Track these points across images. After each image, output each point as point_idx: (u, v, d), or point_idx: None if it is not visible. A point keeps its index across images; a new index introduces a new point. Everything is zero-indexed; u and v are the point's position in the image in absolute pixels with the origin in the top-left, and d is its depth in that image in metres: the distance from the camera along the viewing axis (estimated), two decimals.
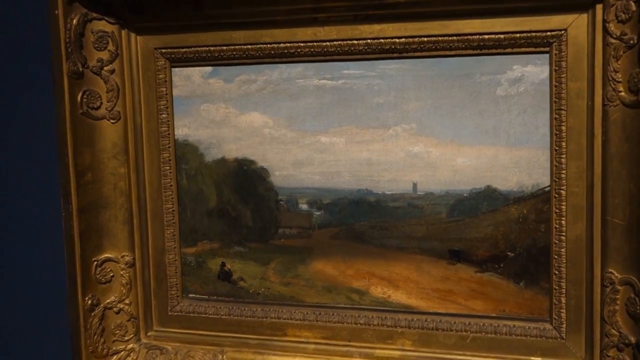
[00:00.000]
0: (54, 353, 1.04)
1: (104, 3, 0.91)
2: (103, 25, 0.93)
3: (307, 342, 0.93)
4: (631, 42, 0.74)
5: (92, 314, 0.96)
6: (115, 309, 0.98)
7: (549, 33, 0.80)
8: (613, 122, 0.77)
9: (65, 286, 0.95)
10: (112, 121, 0.95)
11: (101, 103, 0.94)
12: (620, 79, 0.76)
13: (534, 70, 0.82)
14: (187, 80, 0.94)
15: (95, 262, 0.96)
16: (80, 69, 0.92)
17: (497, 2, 0.80)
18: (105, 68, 0.94)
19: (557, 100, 0.81)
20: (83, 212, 0.94)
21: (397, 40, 0.85)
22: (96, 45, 0.93)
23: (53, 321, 1.05)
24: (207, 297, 0.98)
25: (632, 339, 0.78)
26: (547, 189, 0.83)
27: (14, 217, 1.07)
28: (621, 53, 0.76)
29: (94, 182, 0.94)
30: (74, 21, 0.90)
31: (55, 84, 0.91)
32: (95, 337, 0.96)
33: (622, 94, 0.76)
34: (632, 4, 0.74)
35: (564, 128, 0.81)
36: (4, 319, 1.09)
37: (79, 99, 0.92)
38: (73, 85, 0.92)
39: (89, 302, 0.95)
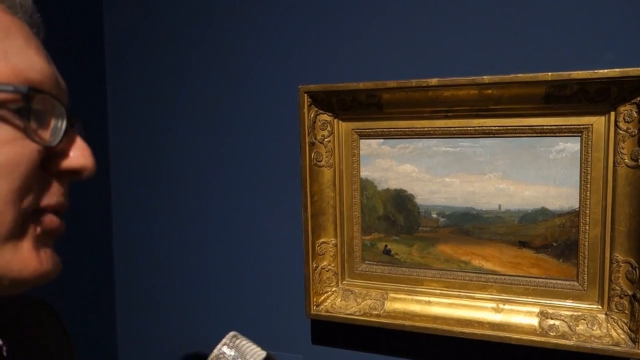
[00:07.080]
0: (296, 291, 1.14)
1: (327, 107, 1.05)
2: (325, 117, 1.05)
3: (435, 289, 1.02)
4: (633, 133, 0.85)
5: (315, 271, 1.07)
6: (326, 269, 1.09)
7: (581, 126, 0.90)
8: (620, 175, 0.87)
9: (302, 256, 1.08)
10: (328, 168, 1.06)
11: (323, 158, 1.06)
12: (625, 152, 0.86)
13: (572, 145, 0.91)
14: (368, 146, 1.05)
15: (317, 243, 1.07)
16: (313, 141, 1.05)
17: (553, 109, 0.90)
18: (326, 140, 1.05)
19: (584, 162, 0.90)
20: (312, 217, 1.06)
21: (493, 127, 0.95)
22: (321, 127, 1.05)
23: (296, 274, 1.14)
24: (376, 263, 1.07)
25: (630, 292, 0.88)
26: (577, 209, 0.92)
27: (280, 219, 1.17)
28: (626, 139, 0.86)
29: (318, 201, 1.06)
30: (311, 115, 1.04)
31: (301, 148, 1.04)
32: (316, 283, 1.08)
33: (626, 160, 0.86)
34: (635, 113, 0.85)
35: (589, 177, 0.90)
36: (271, 274, 1.19)
37: (312, 156, 1.05)
38: (310, 149, 1.04)
39: (314, 265, 1.07)
